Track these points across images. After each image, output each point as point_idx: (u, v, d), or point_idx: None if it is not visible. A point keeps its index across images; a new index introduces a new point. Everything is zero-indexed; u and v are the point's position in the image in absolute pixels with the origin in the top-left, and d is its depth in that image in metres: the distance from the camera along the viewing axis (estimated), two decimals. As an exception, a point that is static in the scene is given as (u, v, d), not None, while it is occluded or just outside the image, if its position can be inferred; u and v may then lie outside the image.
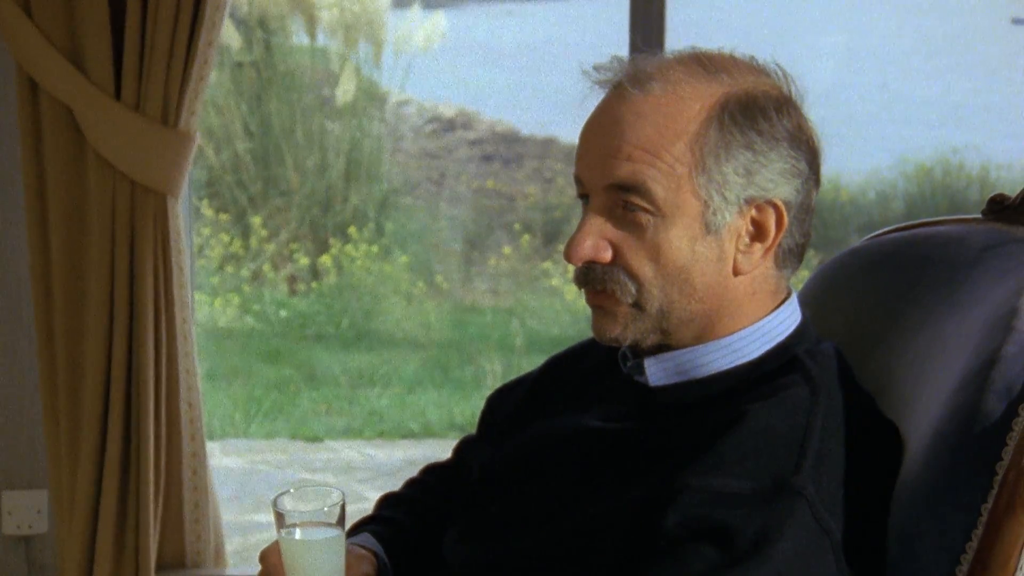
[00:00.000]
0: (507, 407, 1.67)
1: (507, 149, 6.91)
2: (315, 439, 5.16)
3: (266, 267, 6.10)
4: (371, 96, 6.24)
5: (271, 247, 6.10)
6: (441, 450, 1.79)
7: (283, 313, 6.02)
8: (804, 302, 1.54)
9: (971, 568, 1.33)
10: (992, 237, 1.57)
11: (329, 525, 1.41)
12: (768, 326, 1.46)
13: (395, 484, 1.78)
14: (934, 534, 1.35)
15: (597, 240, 1.42)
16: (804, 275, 1.91)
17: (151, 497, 2.69)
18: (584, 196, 1.45)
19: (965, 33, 9.33)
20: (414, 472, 1.78)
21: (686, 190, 1.39)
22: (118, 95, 2.62)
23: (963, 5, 9.78)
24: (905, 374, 1.54)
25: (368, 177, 6.19)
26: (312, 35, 6.17)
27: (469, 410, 5.27)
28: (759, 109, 1.41)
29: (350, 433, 5.27)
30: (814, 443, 1.35)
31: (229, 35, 5.85)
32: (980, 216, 1.64)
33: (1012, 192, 1.62)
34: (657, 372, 1.46)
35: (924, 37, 9.09)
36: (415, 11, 6.23)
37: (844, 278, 1.73)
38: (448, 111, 7.01)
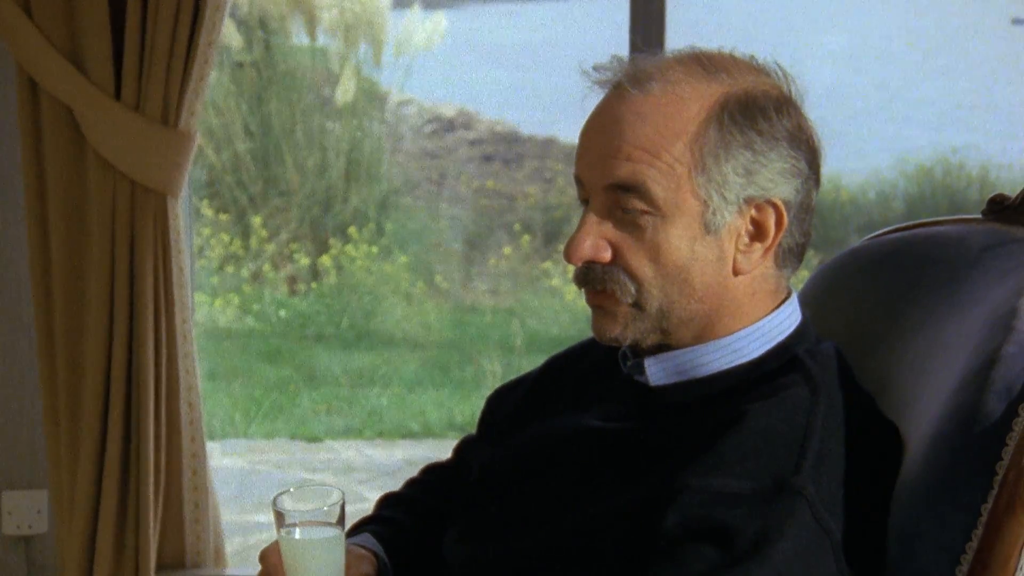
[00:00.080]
0: (507, 407, 1.67)
1: (507, 149, 6.91)
2: (315, 439, 5.16)
3: (266, 267, 6.10)
4: (371, 96, 6.25)
5: (271, 247, 6.10)
6: (441, 450, 1.79)
7: (283, 313, 6.02)
8: (804, 302, 1.54)
9: (971, 568, 1.33)
10: (992, 237, 1.57)
11: (329, 525, 1.41)
12: (768, 326, 1.46)
13: (395, 484, 1.78)
14: (934, 534, 1.35)
15: (597, 240, 1.42)
16: (804, 275, 1.91)
17: (151, 497, 2.69)
18: (585, 200, 1.45)
19: (965, 33, 9.33)
20: (414, 472, 1.77)
21: (685, 190, 1.39)
22: (118, 95, 2.62)
23: (963, 5, 9.78)
24: (905, 374, 1.54)
25: (368, 177, 6.19)
26: (312, 35, 6.17)
27: (469, 410, 5.27)
28: (759, 109, 1.41)
29: (350, 433, 5.27)
30: (814, 443, 1.35)
31: (229, 35, 5.85)
32: (980, 216, 1.64)
33: (1012, 192, 1.62)
34: (657, 372, 1.46)
35: (924, 37, 9.09)
36: (415, 11, 6.23)
37: (844, 278, 1.73)
38: (448, 111, 7.02)
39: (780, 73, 1.47)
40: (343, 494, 1.42)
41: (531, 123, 7.00)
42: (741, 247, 1.42)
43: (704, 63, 1.43)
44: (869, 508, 1.38)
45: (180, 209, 2.71)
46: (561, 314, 6.00)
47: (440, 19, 6.27)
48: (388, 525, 1.64)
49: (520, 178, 6.72)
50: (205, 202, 6.07)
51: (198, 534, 2.81)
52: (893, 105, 8.09)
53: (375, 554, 1.57)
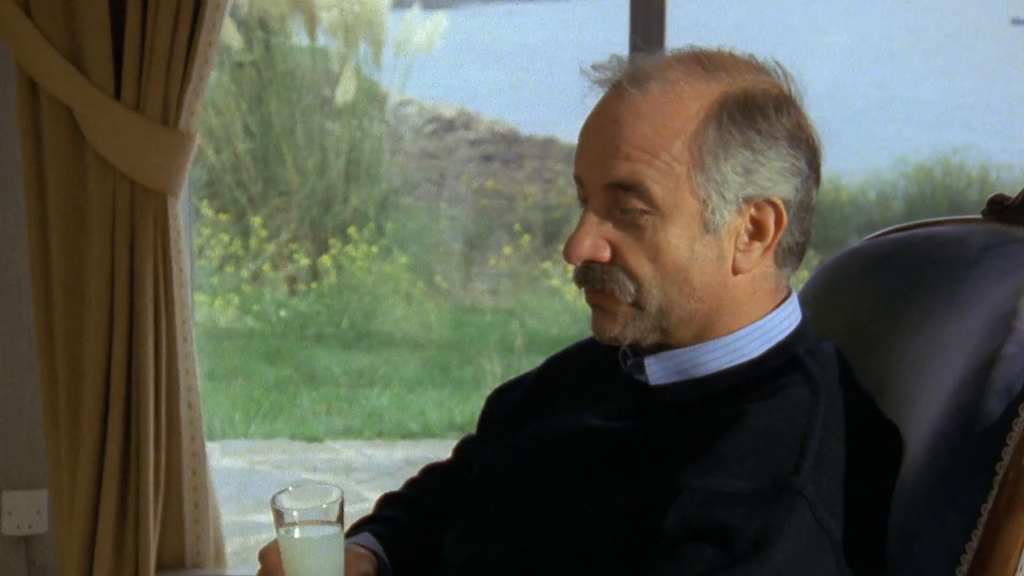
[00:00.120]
0: (506, 406, 1.67)
1: (507, 149, 6.91)
2: (315, 439, 5.16)
3: (266, 267, 6.10)
4: (371, 96, 6.25)
5: (271, 247, 6.10)
6: (441, 450, 1.79)
7: (283, 313, 6.02)
8: (804, 302, 1.54)
9: (971, 568, 1.33)
10: (992, 237, 1.57)
11: (328, 523, 1.41)
12: (768, 325, 1.45)
13: (395, 484, 1.78)
14: (934, 534, 1.35)
15: (596, 239, 1.42)
16: (804, 275, 1.91)
17: (151, 497, 2.69)
18: (585, 200, 1.45)
19: (965, 33, 9.33)
20: (414, 472, 1.77)
21: (684, 189, 1.39)
22: (118, 95, 2.62)
23: (963, 5, 9.78)
24: (905, 374, 1.54)
25: (368, 177, 6.19)
26: (312, 35, 6.17)
27: (469, 410, 5.27)
28: (758, 108, 1.41)
29: (350, 433, 5.27)
30: (814, 443, 1.35)
31: (229, 35, 5.85)
32: (980, 216, 1.64)
33: (1012, 192, 1.62)
34: (657, 371, 1.46)
35: (924, 37, 9.09)
36: (415, 11, 6.23)
37: (844, 278, 1.73)
38: (448, 111, 7.01)
39: (780, 72, 1.46)
40: (342, 492, 1.42)
41: (531, 123, 7.00)
42: (740, 246, 1.42)
43: (703, 62, 1.43)
44: (869, 508, 1.38)
45: (180, 209, 2.71)
46: (561, 314, 6.00)
47: (440, 19, 6.27)
48: (388, 525, 1.64)
49: (520, 178, 6.72)
50: (205, 202, 6.07)
51: (198, 534, 2.81)
52: (893, 105, 8.09)
53: (375, 553, 1.57)
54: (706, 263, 1.41)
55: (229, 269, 6.08)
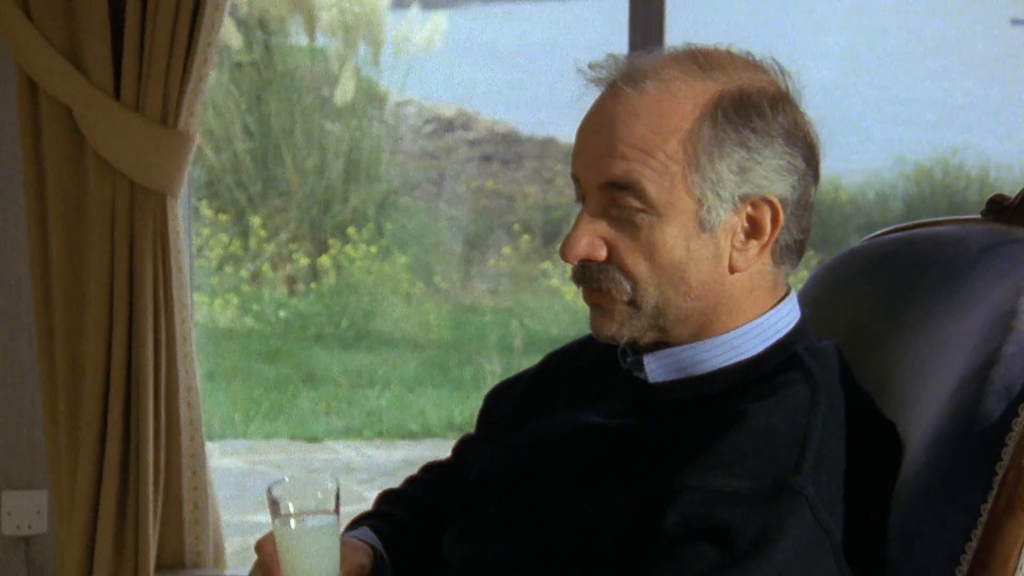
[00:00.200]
0: (505, 405, 1.67)
1: (506, 149, 6.90)
2: (314, 439, 5.16)
3: (265, 267, 6.10)
4: (370, 96, 6.24)
5: (270, 247, 6.10)
6: (440, 450, 1.79)
7: (282, 313, 6.02)
8: (804, 302, 1.54)
9: (971, 568, 1.33)
10: (991, 237, 1.57)
11: (323, 512, 1.40)
12: (767, 323, 1.45)
13: (394, 484, 1.78)
14: (934, 534, 1.35)
15: (592, 238, 1.42)
16: (804, 275, 1.91)
17: (150, 497, 2.69)
18: (582, 198, 1.45)
19: (964, 33, 9.33)
20: (413, 472, 1.77)
21: (680, 188, 1.39)
22: (117, 95, 2.62)
23: (962, 6, 9.78)
24: (905, 374, 1.54)
25: (367, 177, 6.19)
26: (311, 35, 6.17)
27: (468, 410, 5.27)
28: (753, 106, 1.40)
29: (349, 433, 5.27)
30: (814, 443, 1.35)
31: (229, 35, 5.85)
32: (979, 216, 1.64)
33: (1011, 192, 1.62)
34: (656, 369, 1.46)
35: (924, 37, 9.09)
36: (414, 11, 6.23)
37: (844, 278, 1.73)
38: (447, 111, 7.01)
39: (777, 69, 1.46)
40: (338, 482, 1.42)
41: (530, 123, 7.00)
42: (737, 244, 1.42)
43: (700, 61, 1.43)
44: (869, 508, 1.38)
45: (179, 209, 2.71)
46: (560, 314, 6.00)
47: (439, 19, 6.27)
48: (387, 521, 1.63)
49: (519, 178, 6.72)
50: (204, 202, 6.07)
51: (197, 534, 2.81)
52: (892, 105, 8.09)
53: (373, 547, 1.56)
54: (702, 262, 1.41)
55: (228, 269, 6.08)
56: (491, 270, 6.36)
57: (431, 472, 1.75)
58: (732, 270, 1.43)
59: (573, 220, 1.45)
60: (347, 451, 5.05)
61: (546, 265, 6.17)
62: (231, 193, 6.10)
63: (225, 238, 6.08)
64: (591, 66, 1.46)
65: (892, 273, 1.65)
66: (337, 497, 1.41)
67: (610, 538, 1.37)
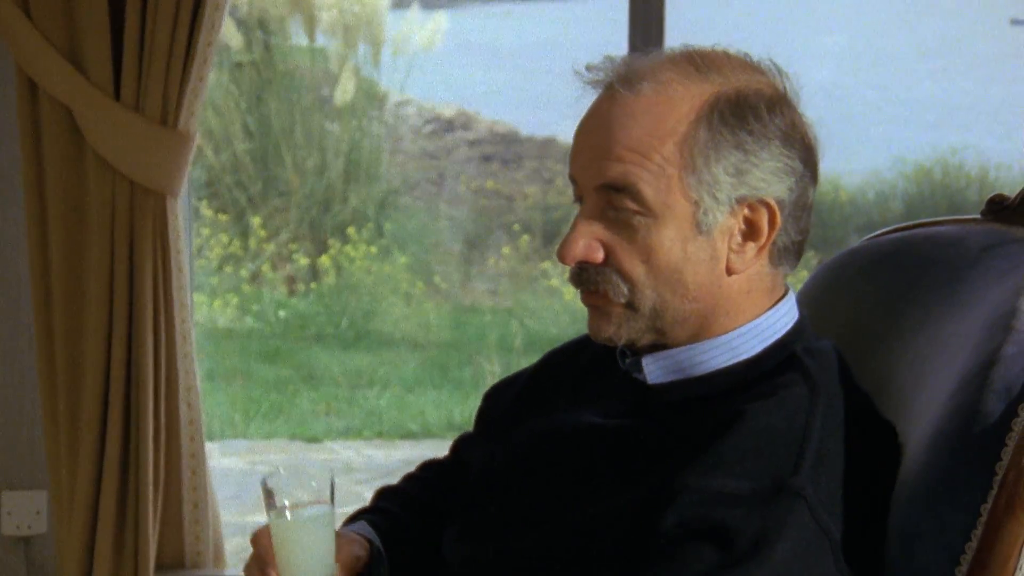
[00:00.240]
0: (504, 403, 1.67)
1: (506, 149, 6.90)
2: (314, 440, 5.15)
3: (265, 267, 6.10)
4: (370, 96, 6.25)
5: (270, 247, 6.10)
6: (440, 451, 1.79)
7: (282, 313, 6.02)
8: (803, 302, 1.54)
9: (970, 568, 1.33)
10: (991, 237, 1.57)
11: (318, 503, 1.40)
12: (765, 324, 1.45)
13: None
14: (933, 534, 1.35)
15: (589, 241, 1.42)
16: (804, 275, 1.91)
17: (150, 498, 2.69)
18: (580, 198, 1.45)
19: (964, 34, 9.33)
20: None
21: (676, 191, 1.39)
22: (117, 95, 2.62)
23: (962, 6, 9.78)
24: (905, 374, 1.54)
25: (367, 178, 6.19)
26: (311, 35, 6.17)
27: (468, 411, 5.26)
28: (750, 108, 1.40)
29: (349, 434, 5.27)
30: (813, 443, 1.35)
31: (229, 35, 5.85)
32: (979, 216, 1.64)
33: (1011, 192, 1.62)
34: (655, 370, 1.46)
35: (923, 38, 9.09)
36: (414, 11, 6.23)
37: (843, 278, 1.73)
38: (447, 111, 7.01)
39: (775, 70, 1.46)
40: (332, 472, 1.41)
41: (530, 123, 7.00)
42: (734, 247, 1.42)
43: (697, 63, 1.42)
44: (868, 508, 1.38)
45: (179, 209, 2.71)
46: (560, 314, 6.00)
47: (439, 19, 6.27)
48: (385, 516, 1.63)
49: (519, 178, 6.72)
50: (204, 202, 6.07)
51: (197, 534, 2.81)
52: (892, 105, 8.09)
53: (370, 541, 1.56)
54: (699, 264, 1.41)
55: (228, 269, 6.08)
56: (491, 270, 6.36)
57: (429, 470, 1.75)
58: (729, 272, 1.43)
59: (572, 221, 1.45)
60: (346, 451, 5.05)
61: (546, 265, 6.17)
62: (231, 193, 6.10)
63: (225, 238, 6.08)
64: (588, 68, 1.46)
65: (892, 273, 1.65)
66: (332, 488, 1.41)
67: (609, 538, 1.37)
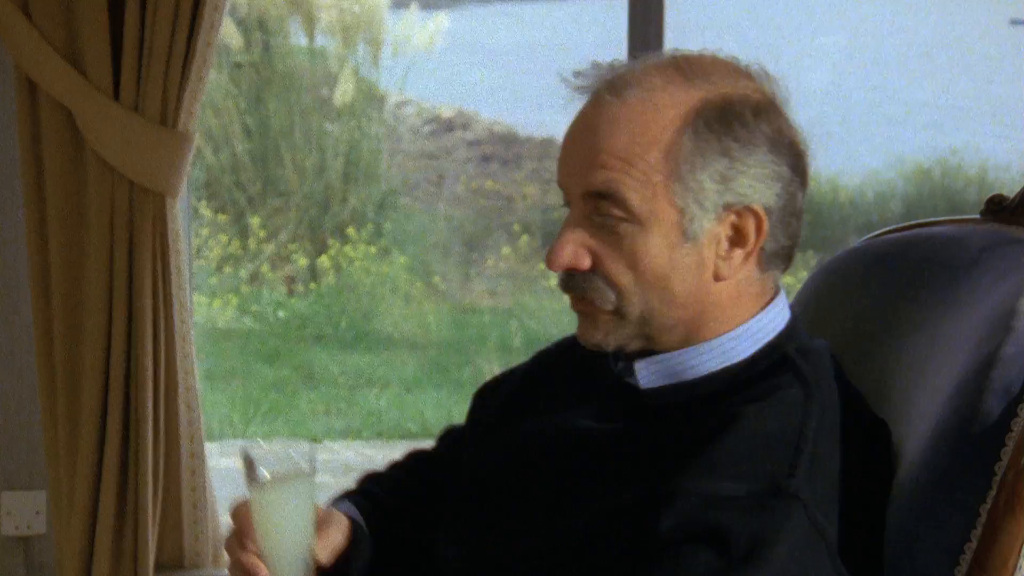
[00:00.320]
0: (496, 403, 1.66)
1: (505, 150, 6.91)
2: (313, 440, 5.15)
3: (264, 268, 6.10)
4: (370, 97, 6.24)
5: (270, 248, 6.10)
6: (439, 451, 1.79)
7: (281, 314, 6.02)
8: (803, 302, 1.54)
9: (969, 568, 1.33)
10: (991, 238, 1.57)
11: (298, 476, 1.39)
12: (756, 327, 1.45)
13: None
14: (932, 534, 1.35)
15: (576, 248, 1.42)
16: (803, 275, 1.91)
17: (150, 498, 2.69)
18: (568, 204, 1.45)
19: (963, 34, 9.33)
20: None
21: (662, 198, 1.38)
22: (117, 96, 2.62)
23: (961, 6, 9.78)
24: (904, 375, 1.54)
25: (367, 178, 6.19)
26: (311, 36, 6.17)
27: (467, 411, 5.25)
28: (736, 115, 1.39)
29: (348, 434, 5.27)
30: (808, 445, 1.35)
31: (228, 35, 5.85)
32: (979, 217, 1.64)
33: (1010, 193, 1.62)
34: (648, 375, 1.46)
35: (922, 38, 9.09)
36: (413, 11, 6.23)
37: (843, 278, 1.73)
38: (446, 112, 7.01)
39: (764, 75, 1.45)
40: (312, 446, 1.41)
41: (529, 124, 7.00)
42: (721, 253, 1.41)
43: (684, 69, 1.42)
44: (864, 508, 1.39)
45: (179, 210, 2.71)
46: (560, 314, 5.99)
47: (438, 20, 6.27)
48: (369, 499, 1.63)
49: (519, 179, 6.72)
50: (203, 203, 6.07)
51: (197, 534, 2.81)
52: (891, 106, 8.09)
53: (354, 522, 1.55)
54: (686, 271, 1.41)
55: (228, 269, 6.08)
56: (490, 270, 6.36)
57: (415, 459, 1.74)
58: (717, 278, 1.42)
59: (561, 227, 1.45)
60: (346, 451, 5.05)
61: (545, 265, 6.16)
62: (230, 193, 6.10)
63: (224, 238, 6.08)
64: (575, 74, 1.46)
65: (891, 273, 1.65)
66: (312, 458, 1.40)
67: (605, 542, 1.36)
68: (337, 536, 1.50)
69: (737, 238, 1.41)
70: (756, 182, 1.40)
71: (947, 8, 9.65)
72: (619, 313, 1.42)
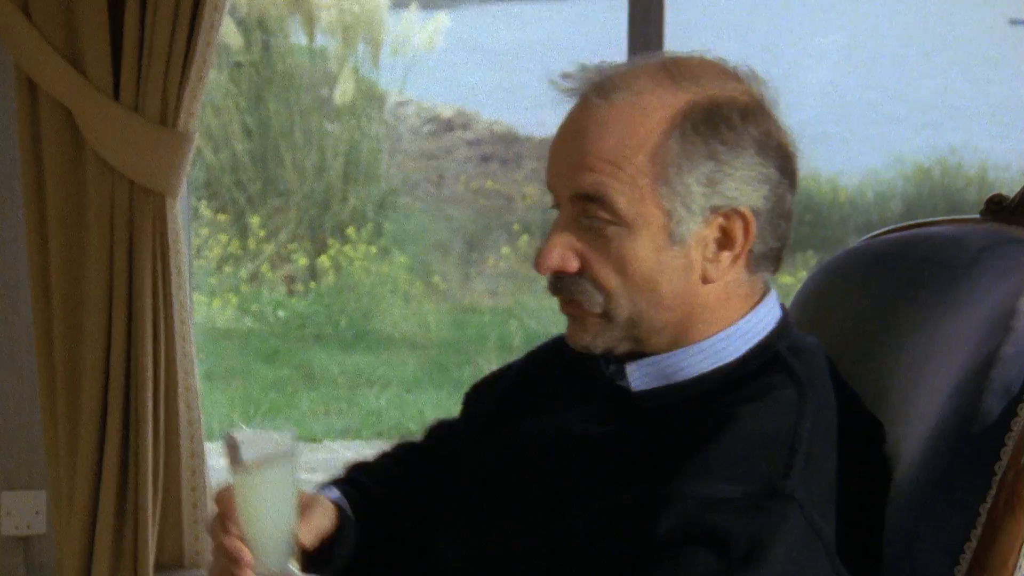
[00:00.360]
0: (490, 402, 1.66)
1: (505, 149, 6.91)
2: (313, 440, 5.15)
3: (264, 267, 6.10)
4: (370, 97, 6.25)
5: (269, 247, 6.10)
6: (440, 451, 1.79)
7: (281, 313, 6.02)
8: (802, 302, 1.54)
9: (969, 568, 1.33)
10: (990, 237, 1.57)
11: (281, 460, 1.39)
12: (745, 327, 1.44)
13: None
14: (932, 534, 1.35)
15: (564, 251, 1.42)
16: (803, 275, 1.91)
17: (150, 498, 2.69)
18: (557, 206, 1.45)
19: (963, 33, 9.33)
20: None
21: (649, 201, 1.38)
22: (117, 96, 2.62)
23: (961, 6, 9.79)
24: (903, 374, 1.54)
25: (367, 177, 6.19)
26: (311, 35, 6.17)
27: (467, 411, 5.25)
28: (723, 117, 1.39)
29: (348, 434, 5.26)
30: (803, 445, 1.35)
31: (228, 35, 5.85)
32: (978, 216, 1.64)
33: (1010, 192, 1.62)
34: (639, 378, 1.45)
35: (922, 37, 9.10)
36: (413, 11, 6.23)
37: (842, 278, 1.73)
38: (446, 111, 7.02)
39: (752, 77, 1.44)
40: (295, 432, 1.41)
41: (529, 124, 7.00)
42: (709, 256, 1.41)
43: (672, 71, 1.41)
44: (860, 506, 1.38)
45: (179, 209, 2.71)
46: (560, 315, 5.98)
47: (438, 19, 6.27)
48: (356, 488, 1.63)
49: (518, 178, 6.72)
50: (203, 202, 6.07)
51: (197, 534, 2.81)
52: (891, 105, 8.09)
53: (340, 509, 1.55)
54: (674, 273, 1.40)
55: (227, 269, 6.08)
56: (490, 270, 6.36)
57: (404, 449, 1.74)
58: (705, 281, 1.42)
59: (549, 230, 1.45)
60: (346, 451, 5.05)
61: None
62: (230, 193, 6.10)
63: (224, 238, 6.08)
64: (563, 76, 1.45)
65: (891, 273, 1.65)
66: (294, 443, 1.40)
67: (602, 545, 1.36)
68: (322, 520, 1.50)
69: (725, 241, 1.41)
70: (743, 185, 1.39)
71: (947, 8, 9.65)
72: (607, 316, 1.42)
